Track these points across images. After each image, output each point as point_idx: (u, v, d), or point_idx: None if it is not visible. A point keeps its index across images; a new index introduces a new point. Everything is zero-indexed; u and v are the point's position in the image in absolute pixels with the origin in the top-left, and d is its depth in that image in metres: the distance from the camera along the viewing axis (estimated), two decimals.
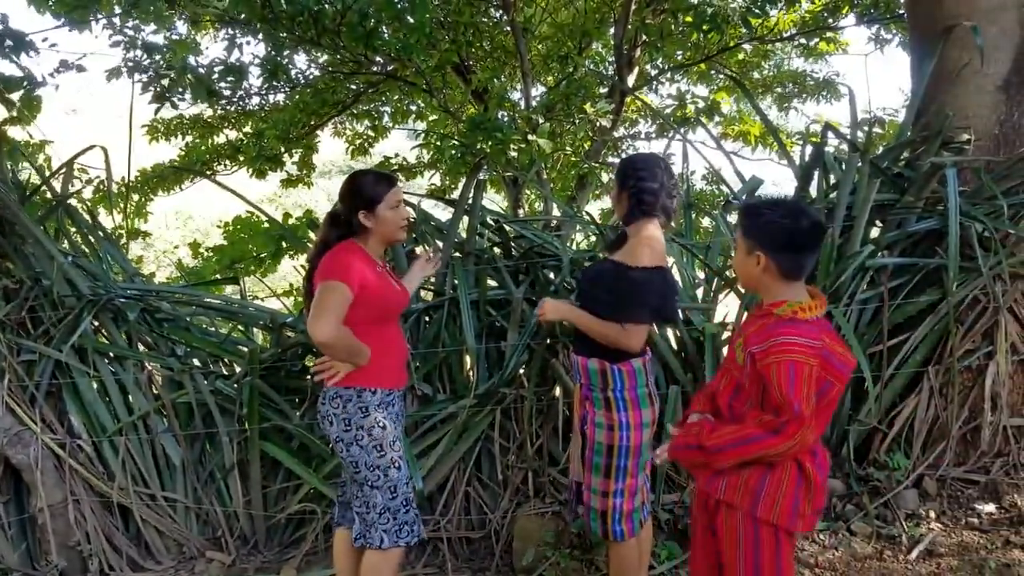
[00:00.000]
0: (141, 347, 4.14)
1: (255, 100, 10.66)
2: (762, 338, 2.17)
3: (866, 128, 4.77)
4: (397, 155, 12.08)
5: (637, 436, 2.85)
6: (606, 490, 2.89)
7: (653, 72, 11.36)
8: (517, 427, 3.89)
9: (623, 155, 11.00)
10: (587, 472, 2.94)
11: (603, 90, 10.01)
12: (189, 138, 11.10)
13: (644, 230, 2.87)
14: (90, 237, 4.50)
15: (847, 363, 2.23)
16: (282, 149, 10.43)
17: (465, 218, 4.21)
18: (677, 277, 3.77)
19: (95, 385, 3.99)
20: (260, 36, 7.45)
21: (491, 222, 4.45)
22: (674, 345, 4.00)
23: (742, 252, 2.28)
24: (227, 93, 9.21)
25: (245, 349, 4.14)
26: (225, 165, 11.21)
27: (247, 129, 11.22)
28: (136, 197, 10.93)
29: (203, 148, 11.14)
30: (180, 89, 6.23)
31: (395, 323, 3.05)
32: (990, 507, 3.83)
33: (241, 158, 10.73)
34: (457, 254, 4.14)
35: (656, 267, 2.82)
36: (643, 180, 2.86)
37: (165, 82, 6.15)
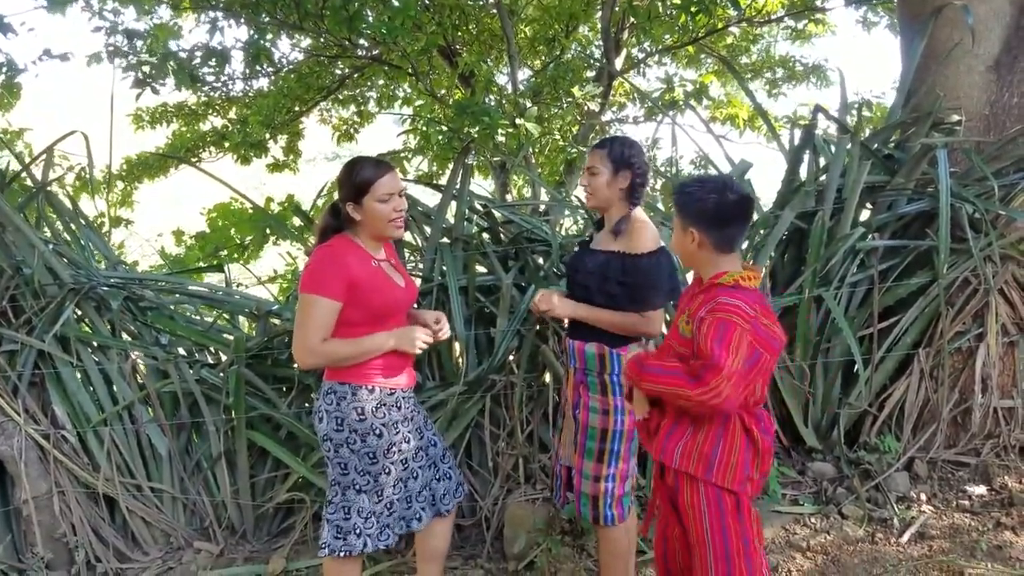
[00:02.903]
0: (125, 336, 4.07)
1: (239, 86, 10.55)
2: (707, 304, 2.22)
3: (855, 111, 4.74)
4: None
5: (631, 420, 2.83)
6: (598, 475, 2.87)
7: (641, 55, 11.30)
8: (507, 413, 3.86)
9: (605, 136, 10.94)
10: (579, 457, 2.92)
11: (591, 73, 9.97)
12: (174, 126, 10.99)
13: (635, 214, 2.86)
14: (72, 225, 4.42)
15: (775, 336, 2.27)
16: (267, 135, 10.32)
17: (453, 203, 4.17)
18: None
19: (78, 375, 3.93)
20: (242, 20, 7.35)
21: (479, 207, 4.41)
22: (665, 329, 3.97)
23: (678, 230, 2.34)
24: (210, 79, 9.09)
25: (230, 337, 4.09)
26: (211, 152, 11.11)
27: (231, 115, 11.11)
28: (121, 185, 10.85)
29: (188, 136, 11.04)
30: (163, 75, 6.13)
31: (399, 320, 2.77)
32: (981, 489, 3.84)
33: (226, 144, 10.63)
34: (445, 240, 4.10)
35: (659, 248, 2.82)
36: (640, 168, 2.84)
37: (146, 68, 6.04)
